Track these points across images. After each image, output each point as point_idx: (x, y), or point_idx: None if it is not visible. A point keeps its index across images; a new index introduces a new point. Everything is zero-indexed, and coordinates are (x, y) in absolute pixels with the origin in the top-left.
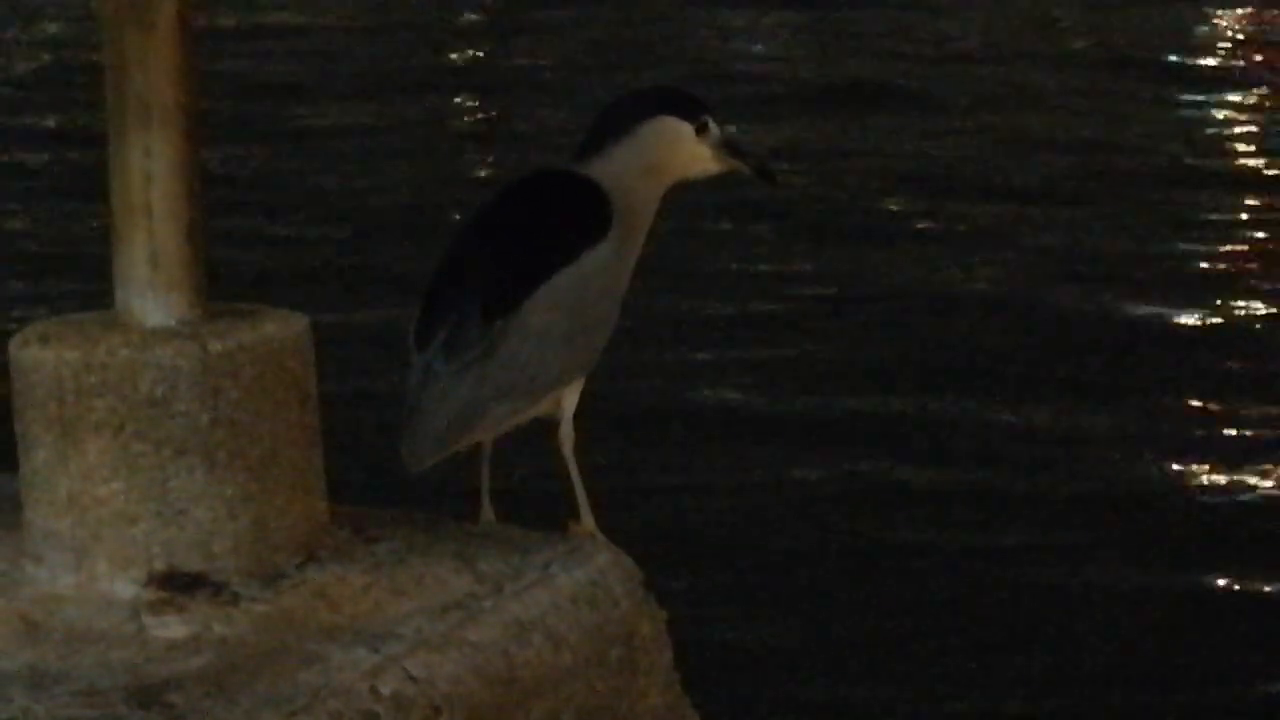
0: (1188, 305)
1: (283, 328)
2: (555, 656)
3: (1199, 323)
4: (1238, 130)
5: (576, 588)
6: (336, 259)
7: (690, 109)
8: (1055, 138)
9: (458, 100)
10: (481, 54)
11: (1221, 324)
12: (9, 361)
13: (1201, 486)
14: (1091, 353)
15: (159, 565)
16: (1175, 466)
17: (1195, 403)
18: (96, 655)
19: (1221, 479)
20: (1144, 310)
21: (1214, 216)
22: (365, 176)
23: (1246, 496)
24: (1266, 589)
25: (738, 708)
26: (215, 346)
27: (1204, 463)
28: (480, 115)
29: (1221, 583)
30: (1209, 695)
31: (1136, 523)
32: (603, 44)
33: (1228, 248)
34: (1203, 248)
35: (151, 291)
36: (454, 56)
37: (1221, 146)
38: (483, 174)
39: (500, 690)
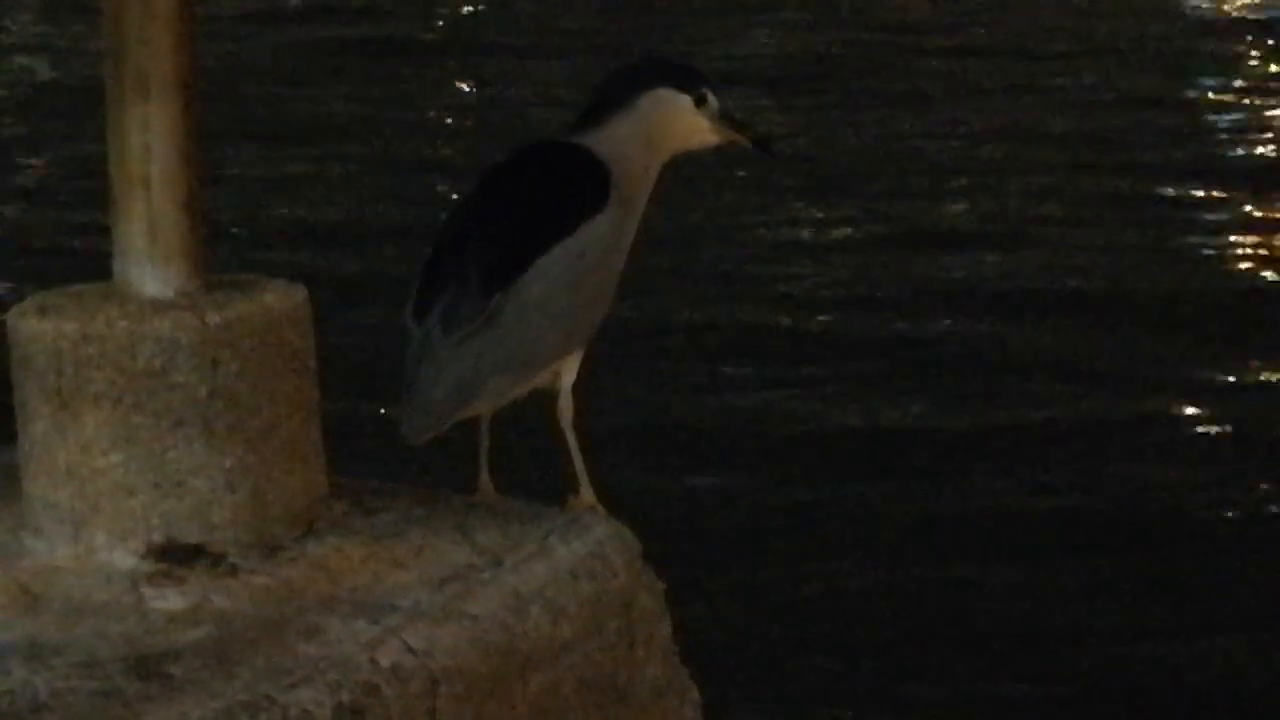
0: None
1: (281, 299)
2: (554, 628)
3: None
4: None
5: (575, 560)
6: (335, 229)
7: (689, 80)
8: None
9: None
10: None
11: None
12: (7, 333)
13: None
14: None
15: (158, 537)
16: None
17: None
18: (95, 627)
19: None
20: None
21: None
22: (359, 151)
23: None
24: None
25: (737, 679)
26: (214, 318)
27: None
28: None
29: None
30: None
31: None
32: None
33: None
34: None
35: (150, 263)
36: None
37: None
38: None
39: (499, 662)
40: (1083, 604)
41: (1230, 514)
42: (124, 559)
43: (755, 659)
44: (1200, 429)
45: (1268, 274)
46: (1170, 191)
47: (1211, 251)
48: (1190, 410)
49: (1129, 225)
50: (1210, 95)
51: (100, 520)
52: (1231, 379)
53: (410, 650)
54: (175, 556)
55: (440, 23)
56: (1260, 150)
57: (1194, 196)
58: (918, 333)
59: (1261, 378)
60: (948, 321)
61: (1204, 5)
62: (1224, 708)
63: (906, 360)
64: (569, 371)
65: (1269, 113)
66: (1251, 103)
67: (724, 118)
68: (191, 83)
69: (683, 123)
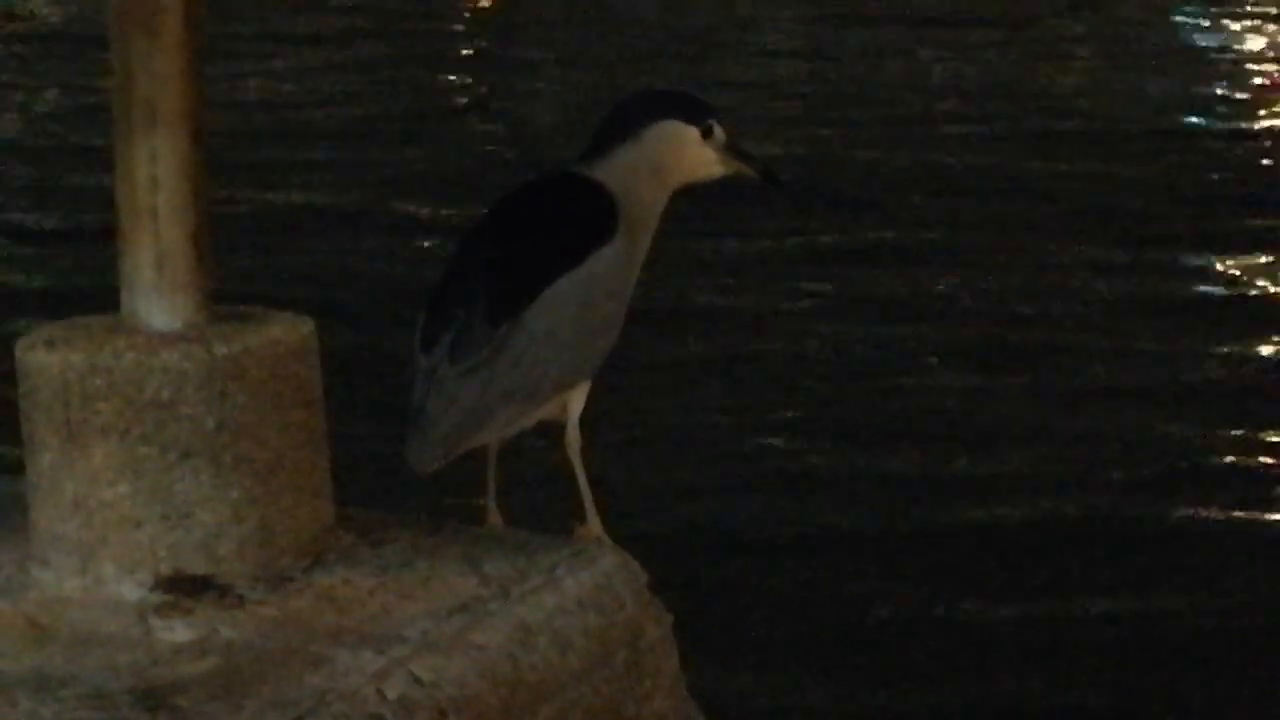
0: None
1: (288, 331)
2: (561, 659)
3: None
4: None
5: (582, 591)
6: (341, 261)
7: (695, 112)
8: None
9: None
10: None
11: None
12: (15, 365)
13: None
14: None
15: (165, 568)
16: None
17: None
18: (103, 658)
19: None
20: None
21: None
22: (369, 178)
23: None
24: None
25: (744, 710)
26: (221, 350)
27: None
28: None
29: None
30: None
31: None
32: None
33: None
34: None
35: (157, 295)
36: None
37: None
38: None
39: (506, 693)
40: None
41: None
42: (131, 590)
43: (764, 690)
44: None
45: None
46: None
47: None
48: None
49: None
50: None
51: (108, 552)
52: None
53: (418, 681)
54: (183, 588)
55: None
56: None
57: None
58: None
59: None
60: None
61: None
62: None
63: None
64: (577, 402)
65: None
66: None
67: (730, 149)
68: (199, 113)
69: (689, 154)
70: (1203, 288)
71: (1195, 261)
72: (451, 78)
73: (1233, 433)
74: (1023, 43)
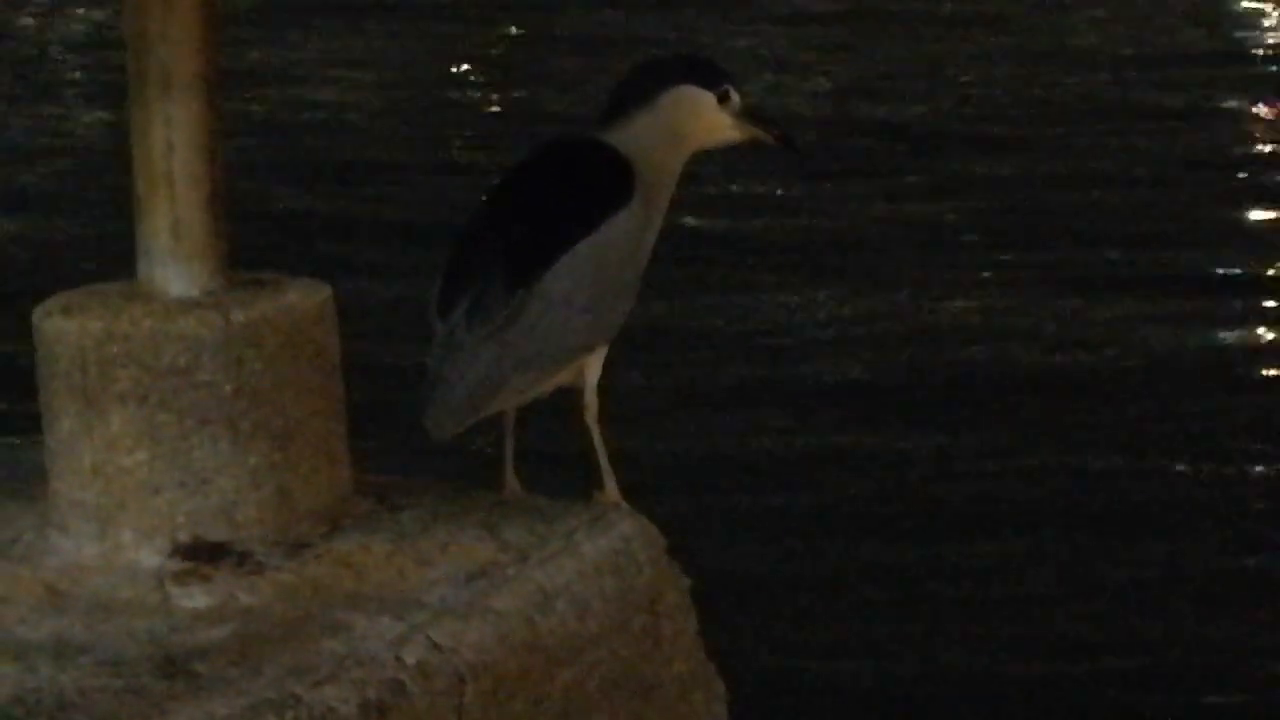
0: None
1: (305, 297)
2: (580, 624)
3: None
4: None
5: (600, 555)
6: (358, 225)
7: (712, 77)
8: None
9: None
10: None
11: None
12: (33, 332)
13: None
14: None
15: (183, 535)
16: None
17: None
18: (121, 625)
19: None
20: None
21: None
22: (383, 147)
23: None
24: None
25: (761, 671)
26: (238, 316)
27: None
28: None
29: None
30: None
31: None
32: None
33: None
34: None
35: (174, 261)
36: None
37: None
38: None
39: (525, 658)
40: None
41: None
42: (150, 557)
43: (782, 652)
44: None
45: None
46: None
47: None
48: None
49: None
50: None
51: (126, 518)
52: None
53: (436, 647)
54: (201, 554)
55: None
56: None
57: None
58: None
59: None
60: None
61: None
62: None
63: None
64: (593, 368)
65: None
66: None
67: (747, 114)
68: (214, 79)
69: (705, 120)
70: None
71: None
72: None
73: None
74: None
